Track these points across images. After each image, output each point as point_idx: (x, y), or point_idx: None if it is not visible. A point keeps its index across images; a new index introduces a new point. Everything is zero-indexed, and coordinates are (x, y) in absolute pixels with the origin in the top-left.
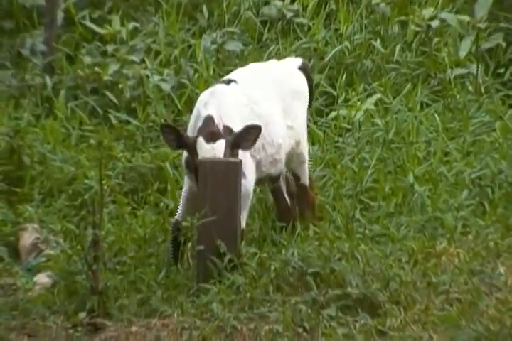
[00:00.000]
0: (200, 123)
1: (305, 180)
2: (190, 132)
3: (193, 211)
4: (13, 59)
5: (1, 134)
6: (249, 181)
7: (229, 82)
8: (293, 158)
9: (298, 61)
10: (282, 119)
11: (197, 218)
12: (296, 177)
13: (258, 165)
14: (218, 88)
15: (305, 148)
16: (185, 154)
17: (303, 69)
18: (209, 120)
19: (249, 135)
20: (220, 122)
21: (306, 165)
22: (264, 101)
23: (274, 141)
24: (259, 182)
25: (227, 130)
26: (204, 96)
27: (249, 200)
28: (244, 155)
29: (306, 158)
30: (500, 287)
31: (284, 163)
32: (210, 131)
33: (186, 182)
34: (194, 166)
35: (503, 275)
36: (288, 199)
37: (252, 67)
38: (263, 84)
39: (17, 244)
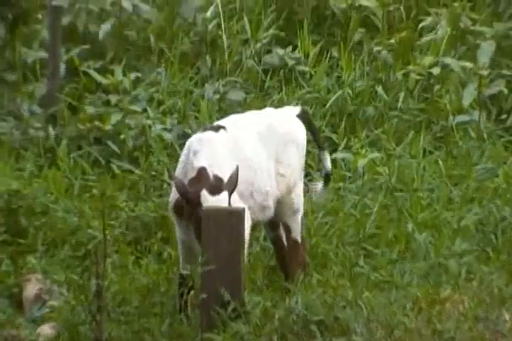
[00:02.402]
0: (192, 174)
1: (297, 234)
2: (180, 177)
3: (190, 259)
4: (15, 111)
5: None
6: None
7: (218, 128)
8: (283, 207)
9: (296, 109)
10: (272, 166)
11: (198, 266)
12: (288, 230)
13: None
14: (207, 136)
15: (298, 197)
16: (172, 200)
17: (301, 117)
18: (202, 172)
19: (233, 178)
20: (211, 172)
21: (299, 217)
22: (253, 148)
23: (261, 189)
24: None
25: (218, 179)
26: (193, 144)
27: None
28: (238, 202)
29: (300, 208)
30: (505, 334)
31: (272, 210)
32: (210, 184)
33: (178, 233)
34: (194, 217)
35: (508, 321)
36: (286, 248)
37: (246, 114)
38: (253, 131)
39: (20, 295)
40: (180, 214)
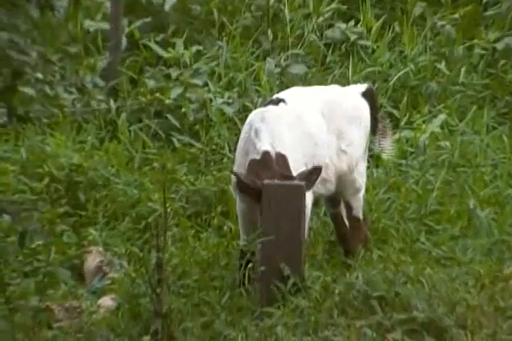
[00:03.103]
0: (256, 156)
1: (358, 211)
2: (240, 157)
3: (252, 232)
4: (77, 83)
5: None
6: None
7: (278, 101)
8: (346, 184)
9: (362, 87)
10: (333, 141)
11: (259, 241)
12: (349, 208)
13: None
14: (268, 112)
15: (361, 175)
16: (234, 178)
17: (367, 95)
18: (266, 156)
19: (312, 176)
20: (273, 151)
21: (361, 196)
22: (313, 121)
23: (321, 161)
24: (314, 202)
25: (281, 157)
26: (255, 121)
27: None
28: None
29: (362, 187)
30: None
31: (334, 184)
32: (281, 173)
33: (239, 206)
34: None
35: None
36: (348, 225)
37: (308, 88)
38: (312, 104)
39: (81, 267)
40: (244, 189)
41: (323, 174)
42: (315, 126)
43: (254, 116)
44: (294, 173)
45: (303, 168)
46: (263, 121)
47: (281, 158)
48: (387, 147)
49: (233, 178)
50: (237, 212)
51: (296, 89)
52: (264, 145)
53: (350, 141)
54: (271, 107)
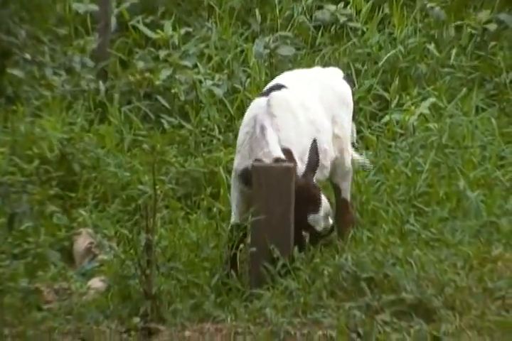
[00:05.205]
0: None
1: (346, 194)
2: (244, 150)
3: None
4: (66, 65)
5: (56, 137)
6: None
7: (279, 87)
8: (336, 168)
9: (340, 72)
10: (329, 126)
11: (250, 220)
12: (338, 190)
13: None
14: (272, 99)
15: (349, 157)
16: (238, 168)
17: (346, 79)
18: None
19: (311, 157)
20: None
21: (349, 178)
22: (315, 106)
23: (322, 147)
24: None
25: (287, 153)
26: (259, 115)
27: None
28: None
29: (350, 169)
30: None
31: (329, 170)
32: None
33: (235, 187)
34: None
35: None
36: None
37: (299, 72)
38: (312, 90)
39: (71, 249)
40: (249, 182)
41: (322, 160)
42: (316, 112)
43: (258, 108)
44: (297, 159)
45: (307, 153)
46: (267, 113)
47: (287, 153)
48: (361, 162)
49: (236, 169)
50: (232, 191)
51: (292, 74)
52: (274, 150)
53: (342, 125)
54: (275, 94)
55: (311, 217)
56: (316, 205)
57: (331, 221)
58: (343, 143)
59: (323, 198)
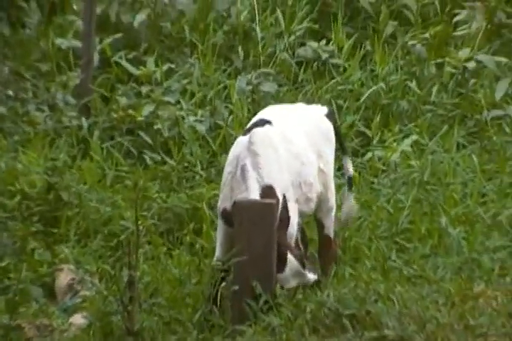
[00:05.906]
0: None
1: (329, 230)
2: (226, 190)
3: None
4: (49, 101)
5: (38, 173)
6: (292, 224)
7: (264, 123)
8: (320, 203)
9: (324, 109)
10: (315, 160)
11: (232, 258)
12: (321, 226)
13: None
14: (254, 136)
15: (333, 195)
16: (221, 207)
17: (329, 117)
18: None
19: (283, 210)
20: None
21: (333, 214)
22: (299, 140)
23: (307, 180)
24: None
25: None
26: (241, 154)
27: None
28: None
29: (333, 206)
30: None
31: (315, 203)
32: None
33: (221, 225)
34: None
35: None
36: (302, 248)
37: (283, 106)
38: (297, 124)
39: (53, 285)
40: (229, 222)
41: (307, 193)
42: (301, 146)
43: (240, 147)
44: (280, 195)
45: (290, 188)
46: (249, 151)
47: (268, 189)
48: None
49: (219, 207)
50: (217, 230)
51: (277, 108)
52: (254, 195)
53: (327, 161)
54: (257, 130)
55: (278, 275)
56: (281, 264)
57: (312, 276)
58: (327, 178)
59: (290, 257)
